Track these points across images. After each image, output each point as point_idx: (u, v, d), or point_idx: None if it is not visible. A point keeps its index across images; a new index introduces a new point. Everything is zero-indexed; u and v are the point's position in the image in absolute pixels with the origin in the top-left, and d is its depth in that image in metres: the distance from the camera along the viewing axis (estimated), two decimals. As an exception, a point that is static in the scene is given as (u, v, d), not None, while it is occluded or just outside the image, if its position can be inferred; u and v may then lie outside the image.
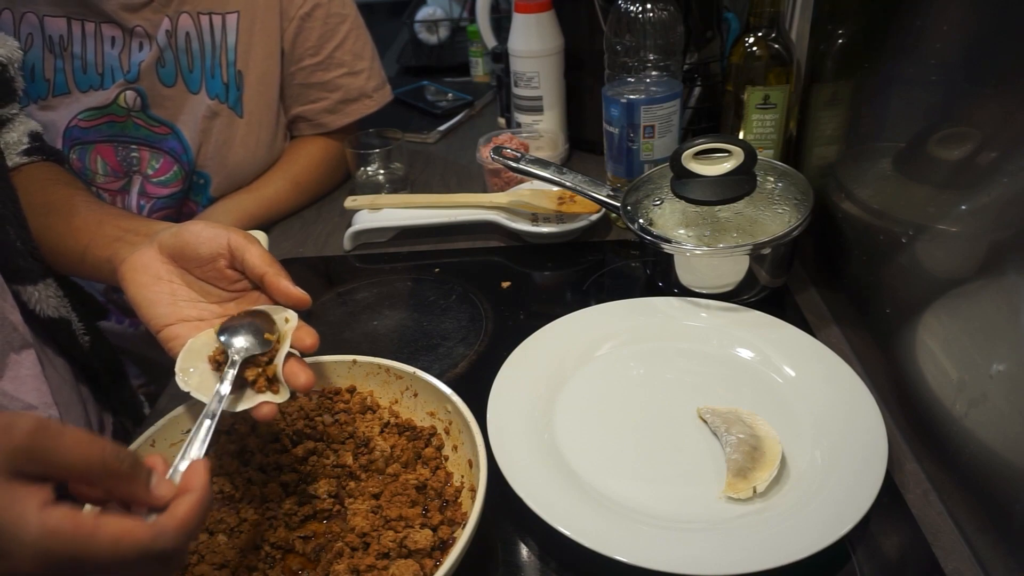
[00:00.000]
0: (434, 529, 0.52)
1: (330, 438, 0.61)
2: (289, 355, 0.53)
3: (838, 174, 0.74)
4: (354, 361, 0.63)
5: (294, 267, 0.89)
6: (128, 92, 0.92)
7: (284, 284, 0.54)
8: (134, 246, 0.58)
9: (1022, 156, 0.46)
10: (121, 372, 0.83)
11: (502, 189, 0.98)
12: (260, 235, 0.78)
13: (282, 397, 0.52)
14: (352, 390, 0.63)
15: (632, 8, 0.85)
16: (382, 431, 0.61)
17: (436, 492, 0.56)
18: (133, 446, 0.56)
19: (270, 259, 0.54)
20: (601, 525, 0.53)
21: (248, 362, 0.52)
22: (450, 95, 1.40)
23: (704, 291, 0.75)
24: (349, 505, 0.56)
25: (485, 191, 1.00)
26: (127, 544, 0.36)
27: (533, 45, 1.03)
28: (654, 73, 0.87)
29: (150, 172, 0.95)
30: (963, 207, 0.53)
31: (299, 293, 0.54)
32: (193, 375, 0.51)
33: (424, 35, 1.64)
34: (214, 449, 0.59)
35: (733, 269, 0.73)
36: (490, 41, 1.28)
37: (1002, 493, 0.49)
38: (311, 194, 1.06)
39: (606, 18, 0.89)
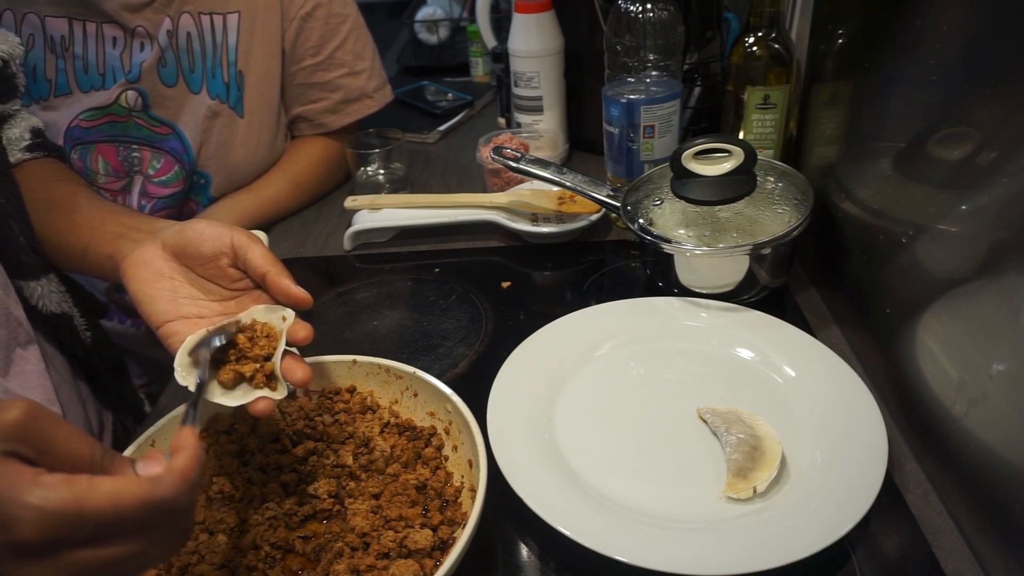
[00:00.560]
0: (434, 529, 0.52)
1: (330, 438, 0.61)
2: (287, 352, 0.53)
3: (838, 174, 0.74)
4: (354, 361, 0.63)
5: (294, 267, 0.88)
6: (129, 92, 0.92)
7: (286, 283, 0.54)
8: (136, 243, 0.58)
9: (1022, 156, 0.46)
10: (122, 369, 0.83)
11: (502, 189, 0.98)
12: (260, 235, 0.77)
13: (280, 394, 0.52)
14: (352, 390, 0.63)
15: (632, 8, 0.85)
16: (382, 431, 0.61)
17: (436, 492, 0.56)
18: (134, 445, 0.56)
19: (272, 258, 0.55)
20: (601, 525, 0.53)
21: (243, 358, 0.52)
22: (450, 95, 1.40)
23: (704, 291, 0.75)
24: (349, 505, 0.56)
25: (485, 191, 1.00)
26: (126, 497, 0.35)
27: (533, 45, 1.03)
28: (654, 73, 0.87)
29: (151, 172, 0.95)
30: (963, 207, 0.53)
31: (300, 293, 0.54)
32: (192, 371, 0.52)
33: (424, 35, 1.64)
34: (214, 449, 0.59)
35: (733, 269, 0.73)
36: (490, 41, 1.28)
37: (1002, 493, 0.49)
38: (311, 194, 1.06)
39: (606, 18, 0.89)
